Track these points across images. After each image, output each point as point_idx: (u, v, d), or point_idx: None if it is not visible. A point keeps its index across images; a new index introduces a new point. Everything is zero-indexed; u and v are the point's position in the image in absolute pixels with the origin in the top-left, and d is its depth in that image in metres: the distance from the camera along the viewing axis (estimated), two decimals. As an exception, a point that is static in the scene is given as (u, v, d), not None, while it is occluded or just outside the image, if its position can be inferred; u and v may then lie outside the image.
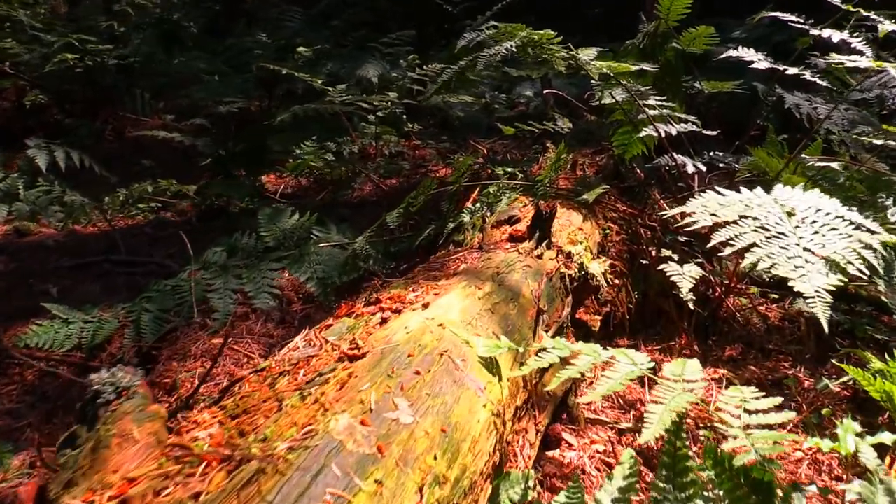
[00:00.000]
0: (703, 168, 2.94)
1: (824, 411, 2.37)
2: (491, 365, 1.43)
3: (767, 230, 1.98)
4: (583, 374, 1.34)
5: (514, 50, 3.02)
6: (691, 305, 2.75)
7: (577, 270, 2.21)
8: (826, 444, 1.50)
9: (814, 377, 2.62)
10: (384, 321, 1.52)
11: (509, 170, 3.78)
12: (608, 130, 3.49)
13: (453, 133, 6.33)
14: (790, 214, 2.05)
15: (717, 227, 2.13)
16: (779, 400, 1.41)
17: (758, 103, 4.96)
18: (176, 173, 4.70)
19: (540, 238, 2.20)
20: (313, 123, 5.15)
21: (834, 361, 2.60)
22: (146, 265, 3.08)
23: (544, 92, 5.26)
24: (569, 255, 2.23)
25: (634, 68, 2.90)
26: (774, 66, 2.96)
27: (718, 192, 2.22)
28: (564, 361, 1.42)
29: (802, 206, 2.09)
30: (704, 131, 3.10)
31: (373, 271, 3.10)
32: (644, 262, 2.90)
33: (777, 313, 3.05)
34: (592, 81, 3.10)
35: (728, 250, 1.94)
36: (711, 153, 3.14)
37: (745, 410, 1.35)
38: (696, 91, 3.98)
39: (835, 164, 2.87)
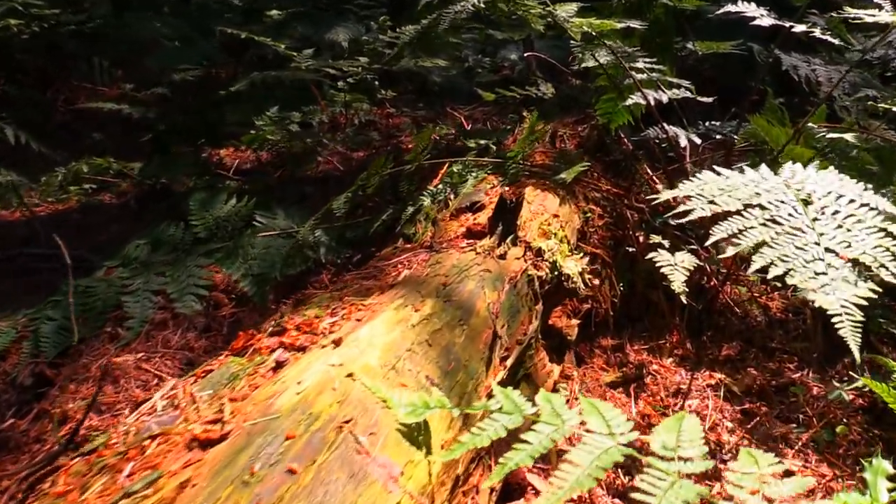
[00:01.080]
0: (698, 141, 2.51)
1: (839, 429, 1.99)
2: (416, 434, 1.02)
3: (779, 224, 1.57)
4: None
5: (483, 6, 2.58)
6: (684, 299, 2.37)
7: (548, 271, 1.80)
8: (855, 501, 1.10)
9: (823, 381, 2.23)
10: (279, 366, 1.11)
11: (482, 142, 3.34)
12: (593, 97, 3.05)
13: (431, 99, 5.85)
14: (806, 203, 1.65)
15: (716, 218, 1.74)
16: (809, 482, 1.02)
17: (754, 65, 4.51)
18: (126, 148, 4.23)
19: (503, 233, 1.78)
20: (278, 92, 4.67)
21: (850, 373, 2.21)
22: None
23: (525, 55, 4.78)
24: (539, 253, 1.81)
25: (620, 26, 2.45)
26: (779, 23, 2.52)
27: (717, 173, 1.82)
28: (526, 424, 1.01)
29: (820, 190, 1.69)
30: (699, 98, 2.67)
31: (324, 262, 2.68)
32: (630, 249, 2.49)
33: (779, 303, 2.65)
34: (572, 42, 2.65)
35: (731, 250, 1.54)
36: (707, 123, 2.71)
37: (765, 498, 0.96)
38: (687, 52, 3.53)
39: (848, 136, 2.44)
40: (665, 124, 2.57)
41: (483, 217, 1.88)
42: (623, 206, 2.55)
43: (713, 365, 2.36)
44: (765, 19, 2.52)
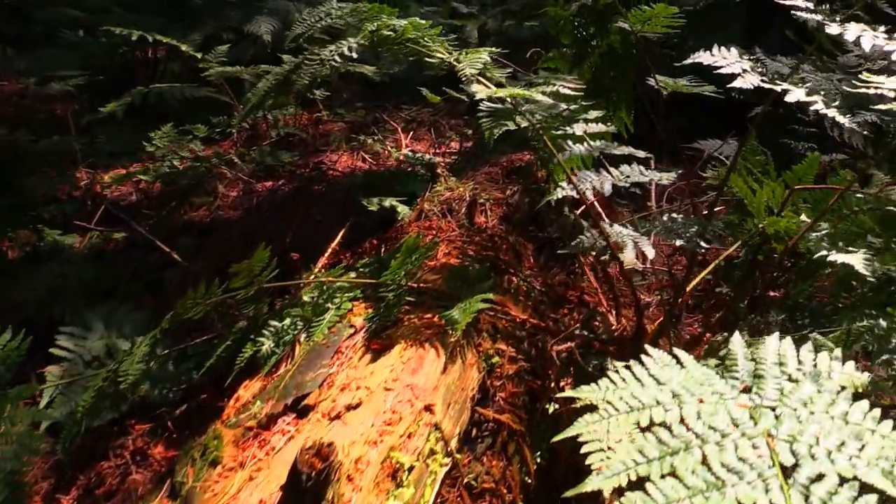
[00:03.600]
0: (651, 253, 1.70)
1: None
2: None
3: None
4: None
5: (358, 49, 1.78)
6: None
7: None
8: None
9: None
10: None
11: (387, 203, 2.52)
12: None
13: (377, 95, 4.95)
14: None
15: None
16: None
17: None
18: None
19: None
20: (185, 101, 3.76)
21: None
22: None
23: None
24: (362, 549, 1.05)
25: (540, 98, 1.62)
26: (769, 85, 1.69)
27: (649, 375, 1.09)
28: None
29: (832, 474, 0.93)
30: (657, 178, 1.88)
31: (153, 401, 1.90)
32: (552, 407, 1.73)
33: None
34: (479, 108, 1.83)
35: None
36: (670, 216, 1.88)
37: None
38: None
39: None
40: (607, 224, 1.77)
41: (290, 451, 1.10)
42: (546, 342, 1.77)
43: (659, 574, 1.64)
44: (749, 77, 1.70)
